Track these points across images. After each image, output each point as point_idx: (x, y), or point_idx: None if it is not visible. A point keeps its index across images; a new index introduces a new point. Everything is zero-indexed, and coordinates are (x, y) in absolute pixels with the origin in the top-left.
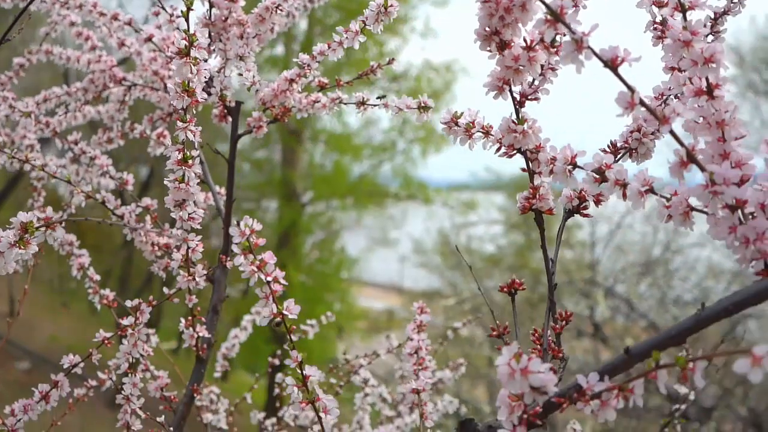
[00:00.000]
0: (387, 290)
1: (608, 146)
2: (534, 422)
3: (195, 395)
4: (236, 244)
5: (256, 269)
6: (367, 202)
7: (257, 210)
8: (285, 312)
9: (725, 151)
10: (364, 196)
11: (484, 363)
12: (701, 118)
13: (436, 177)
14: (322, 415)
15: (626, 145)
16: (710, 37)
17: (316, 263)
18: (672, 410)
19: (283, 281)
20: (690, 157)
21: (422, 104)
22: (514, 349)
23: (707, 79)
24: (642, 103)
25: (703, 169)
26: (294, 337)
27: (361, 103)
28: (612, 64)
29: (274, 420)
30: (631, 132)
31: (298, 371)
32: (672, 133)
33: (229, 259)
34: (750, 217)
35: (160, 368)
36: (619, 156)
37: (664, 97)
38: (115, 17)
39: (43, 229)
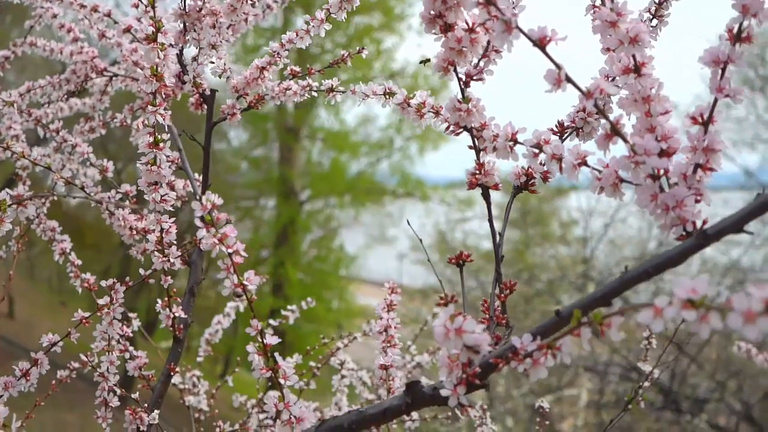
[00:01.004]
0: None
1: (555, 125)
2: (474, 383)
3: (172, 373)
4: (198, 217)
5: (217, 242)
6: (364, 200)
7: (255, 208)
8: (245, 283)
9: (652, 125)
10: (361, 194)
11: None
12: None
13: (433, 174)
14: (281, 381)
15: (572, 125)
16: (654, 21)
17: (314, 261)
18: (636, 387)
19: (243, 253)
20: (614, 130)
21: (387, 91)
22: (451, 310)
23: (634, 57)
24: (568, 79)
25: (626, 141)
26: (252, 308)
27: (330, 90)
28: (540, 43)
29: (254, 401)
30: (577, 112)
31: (259, 339)
32: (597, 107)
33: None
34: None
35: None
36: (566, 135)
37: (609, 79)
38: (94, 9)
39: (14, 206)
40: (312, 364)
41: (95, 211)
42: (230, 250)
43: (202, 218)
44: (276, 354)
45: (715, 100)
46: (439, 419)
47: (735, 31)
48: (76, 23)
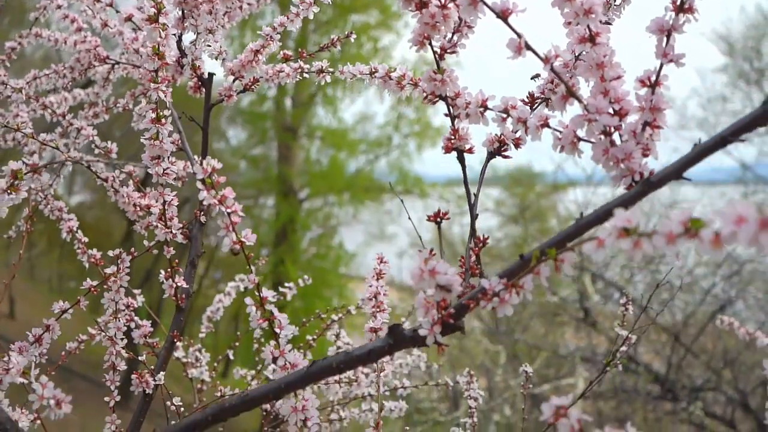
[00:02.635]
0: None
1: (527, 96)
2: (449, 323)
3: (175, 340)
4: (200, 180)
5: (217, 202)
6: (363, 198)
7: (255, 207)
8: (243, 239)
9: (605, 89)
10: (360, 192)
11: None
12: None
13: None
14: (277, 330)
15: (542, 96)
16: (618, 0)
17: (314, 259)
18: (612, 351)
19: (241, 213)
20: (569, 92)
21: (373, 70)
22: (425, 254)
23: (589, 27)
24: (528, 47)
25: (580, 102)
26: (253, 267)
27: (320, 71)
28: (503, 15)
29: (253, 372)
30: (546, 83)
31: (256, 293)
32: (553, 70)
33: (203, 214)
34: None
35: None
36: (536, 105)
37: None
38: None
39: (30, 174)
40: (309, 337)
41: (94, 212)
42: (229, 210)
43: (203, 180)
44: (272, 307)
45: (661, 64)
46: (438, 410)
47: (678, 2)
48: (78, 14)
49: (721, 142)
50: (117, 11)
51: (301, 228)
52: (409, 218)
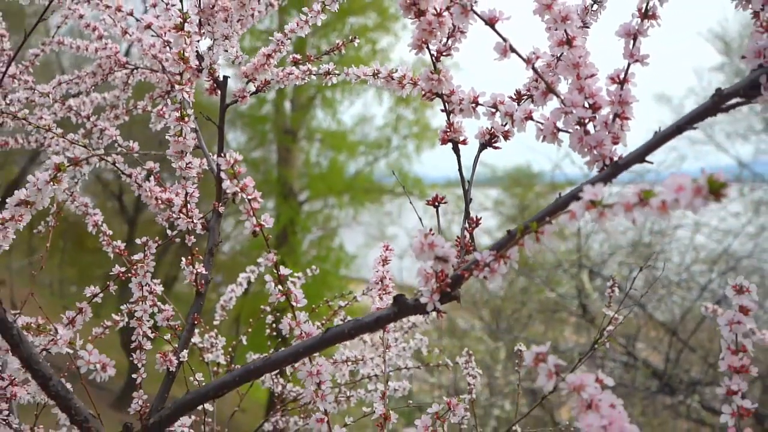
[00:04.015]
0: None
1: (514, 93)
2: (446, 291)
3: (195, 323)
4: (223, 170)
5: (239, 190)
6: (363, 199)
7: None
8: (263, 222)
9: (581, 86)
10: (360, 193)
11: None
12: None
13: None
14: (294, 303)
15: (528, 93)
16: (595, 6)
17: (314, 261)
18: (601, 329)
19: (260, 200)
20: (549, 89)
21: (375, 72)
22: (425, 231)
23: (566, 32)
24: (512, 49)
25: (558, 97)
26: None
27: (327, 73)
28: (491, 22)
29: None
30: (531, 82)
31: (275, 271)
32: (534, 70)
33: (221, 205)
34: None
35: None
36: (522, 100)
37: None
38: (118, 9)
39: (72, 166)
40: (317, 323)
41: (95, 216)
42: (250, 197)
43: (226, 171)
44: (289, 281)
45: (629, 64)
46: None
47: (643, 9)
48: (97, 22)
49: (676, 130)
50: (137, 20)
51: (301, 230)
52: (419, 217)
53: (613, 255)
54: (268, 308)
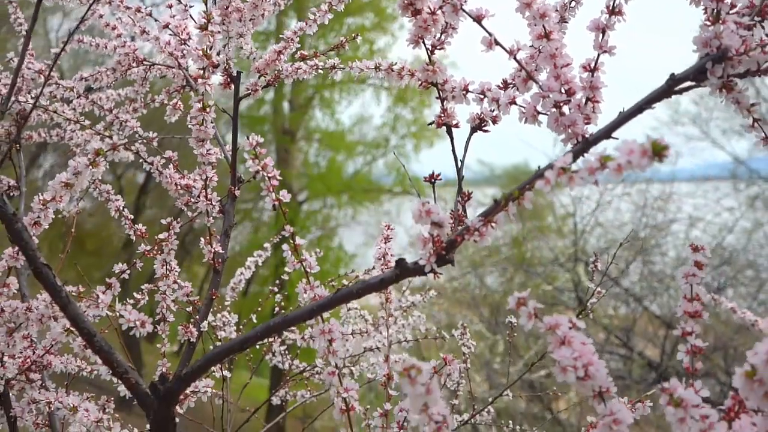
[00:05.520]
0: None
1: (501, 82)
2: (442, 255)
3: (213, 297)
4: (246, 151)
5: (260, 169)
6: (362, 199)
7: (254, 210)
8: (281, 197)
9: (557, 74)
10: (359, 193)
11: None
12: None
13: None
14: (308, 270)
15: (513, 81)
16: (574, 3)
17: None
18: (585, 301)
19: (278, 177)
20: (529, 76)
21: (377, 65)
22: (423, 200)
23: (544, 27)
24: (497, 42)
25: (537, 83)
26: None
27: (333, 67)
28: (478, 19)
29: None
30: (515, 71)
31: (291, 241)
32: (516, 60)
33: (237, 189)
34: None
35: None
36: (508, 88)
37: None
38: (138, 9)
39: (110, 151)
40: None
41: (95, 219)
42: (270, 175)
43: (248, 152)
44: (304, 252)
45: (598, 54)
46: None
47: (610, 6)
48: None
49: (638, 110)
50: (156, 20)
51: (300, 230)
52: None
53: (609, 248)
54: (276, 289)
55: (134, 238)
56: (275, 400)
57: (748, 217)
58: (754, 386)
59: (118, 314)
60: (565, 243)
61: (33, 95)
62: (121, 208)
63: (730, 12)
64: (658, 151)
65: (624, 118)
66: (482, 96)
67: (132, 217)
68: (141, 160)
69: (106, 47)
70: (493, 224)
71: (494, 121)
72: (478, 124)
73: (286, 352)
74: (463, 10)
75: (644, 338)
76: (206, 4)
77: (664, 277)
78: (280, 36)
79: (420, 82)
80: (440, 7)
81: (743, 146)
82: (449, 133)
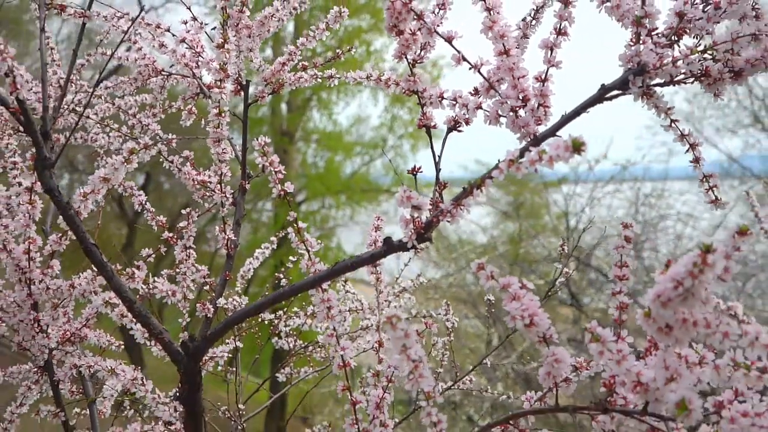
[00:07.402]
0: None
1: (473, 89)
2: (421, 233)
3: (227, 278)
4: (256, 150)
5: (268, 165)
6: (360, 199)
7: (253, 211)
8: (286, 188)
9: (515, 84)
10: (357, 193)
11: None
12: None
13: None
14: (309, 248)
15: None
16: (534, 21)
17: None
18: (553, 281)
19: (283, 172)
20: (490, 86)
21: (368, 75)
22: (406, 188)
23: (503, 44)
24: (463, 58)
25: (497, 91)
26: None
27: (331, 77)
28: (448, 39)
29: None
30: (482, 82)
31: (295, 225)
32: (480, 73)
33: (247, 183)
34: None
35: (163, 372)
36: (477, 95)
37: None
38: (158, 26)
39: (143, 149)
40: None
41: (95, 221)
42: (276, 169)
43: (258, 150)
44: (305, 234)
45: (548, 68)
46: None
47: (557, 28)
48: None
49: (576, 113)
50: (173, 35)
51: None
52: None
53: (599, 245)
54: (282, 275)
55: (156, 228)
56: (280, 377)
57: (739, 213)
58: (649, 323)
59: (152, 286)
60: (559, 240)
61: (70, 103)
62: (144, 202)
63: (654, 32)
64: (577, 146)
65: (564, 120)
66: (455, 102)
67: (153, 210)
68: (162, 159)
69: (127, 59)
70: (462, 207)
71: (467, 123)
72: (453, 125)
73: (292, 333)
74: (437, 32)
75: (634, 332)
76: (224, 26)
77: (655, 272)
78: (282, 46)
79: (403, 90)
80: (419, 29)
81: (736, 144)
82: (428, 133)
